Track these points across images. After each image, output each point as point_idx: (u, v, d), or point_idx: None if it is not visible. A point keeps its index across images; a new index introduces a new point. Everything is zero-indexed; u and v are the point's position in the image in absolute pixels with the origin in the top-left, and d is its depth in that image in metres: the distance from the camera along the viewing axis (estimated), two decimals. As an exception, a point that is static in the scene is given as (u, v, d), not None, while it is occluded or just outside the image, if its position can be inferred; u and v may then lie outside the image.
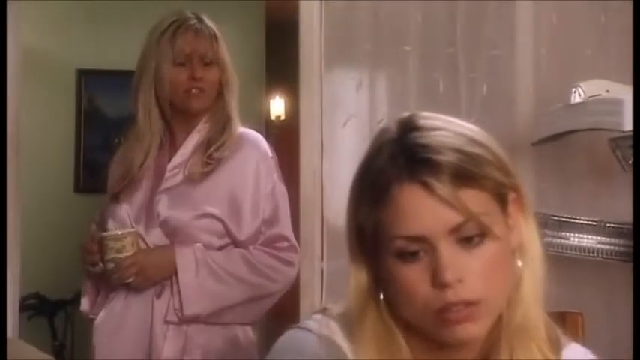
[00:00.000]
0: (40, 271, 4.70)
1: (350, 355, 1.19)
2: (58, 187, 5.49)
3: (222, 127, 2.50)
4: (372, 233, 1.16)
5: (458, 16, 2.93)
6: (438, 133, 1.14)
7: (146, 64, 2.50)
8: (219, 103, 2.52)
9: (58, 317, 5.12)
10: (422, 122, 1.17)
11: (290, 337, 1.22)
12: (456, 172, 1.11)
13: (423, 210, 1.11)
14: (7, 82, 2.86)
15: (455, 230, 1.11)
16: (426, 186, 1.11)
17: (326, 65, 3.00)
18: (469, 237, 1.12)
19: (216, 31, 2.52)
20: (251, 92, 5.89)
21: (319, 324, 1.21)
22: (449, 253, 1.11)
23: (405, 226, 1.12)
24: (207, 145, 2.49)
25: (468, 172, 1.12)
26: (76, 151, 5.59)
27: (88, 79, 5.55)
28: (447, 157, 1.12)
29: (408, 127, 1.17)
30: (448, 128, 1.15)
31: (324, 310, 1.25)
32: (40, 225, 4.85)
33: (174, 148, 2.54)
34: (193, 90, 2.47)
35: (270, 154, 2.55)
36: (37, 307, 5.11)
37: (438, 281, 1.11)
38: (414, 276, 1.12)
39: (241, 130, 2.54)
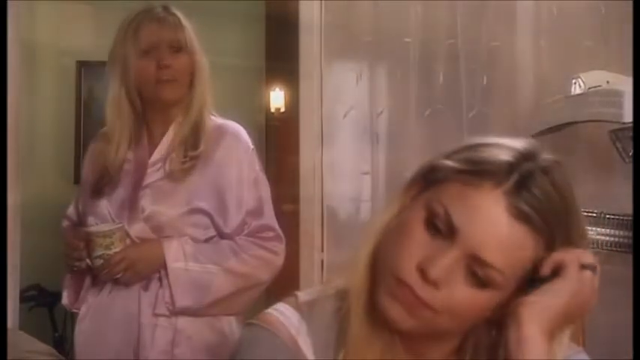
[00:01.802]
0: (40, 263, 4.70)
1: (306, 350, 1.19)
2: (59, 179, 5.49)
3: (195, 121, 2.49)
4: (428, 181, 1.16)
5: (458, 7, 2.93)
6: (550, 189, 1.13)
7: (115, 57, 2.49)
8: (192, 93, 2.51)
9: (58, 309, 5.12)
10: (545, 164, 1.15)
11: (247, 338, 1.22)
12: (536, 230, 1.11)
13: (486, 217, 1.10)
14: (8, 73, 2.86)
15: (476, 258, 1.10)
16: (516, 214, 1.10)
17: (326, 57, 2.99)
18: (477, 274, 1.11)
19: (183, 20, 2.51)
20: (251, 84, 5.89)
21: (280, 318, 1.22)
22: (454, 262, 1.10)
23: (459, 210, 1.11)
24: (183, 142, 2.48)
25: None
26: (76, 143, 5.59)
27: (88, 70, 5.55)
28: (544, 217, 1.11)
29: (534, 157, 1.16)
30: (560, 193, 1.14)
31: (292, 299, 1.25)
32: (40, 216, 4.85)
33: (153, 143, 2.53)
34: (164, 78, 2.45)
35: (251, 146, 2.54)
36: (38, 298, 5.12)
37: (422, 266, 1.10)
38: (415, 239, 1.11)
39: (222, 121, 2.54)
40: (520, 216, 1.10)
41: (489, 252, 1.09)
